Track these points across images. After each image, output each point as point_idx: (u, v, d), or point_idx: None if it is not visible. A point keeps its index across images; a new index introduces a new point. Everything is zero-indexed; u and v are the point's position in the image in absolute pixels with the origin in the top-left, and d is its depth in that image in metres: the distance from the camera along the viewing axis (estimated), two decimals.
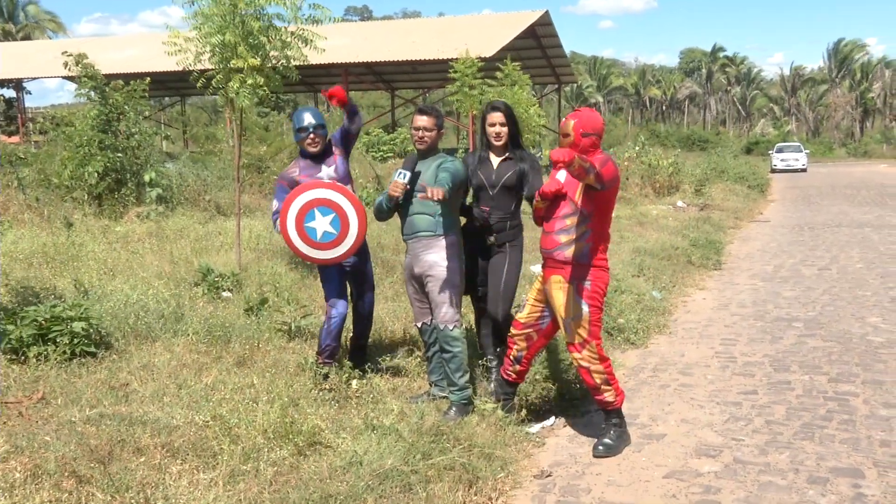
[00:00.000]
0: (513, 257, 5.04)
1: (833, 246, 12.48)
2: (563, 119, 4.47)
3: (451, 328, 4.69)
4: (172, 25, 8.10)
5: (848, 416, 4.95)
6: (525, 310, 4.71)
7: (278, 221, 4.97)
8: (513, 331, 4.76)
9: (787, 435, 4.65)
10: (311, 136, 5.06)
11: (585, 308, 4.37)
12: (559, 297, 4.43)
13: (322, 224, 4.80)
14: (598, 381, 4.41)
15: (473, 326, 5.53)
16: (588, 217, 4.34)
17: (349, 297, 5.34)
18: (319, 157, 5.16)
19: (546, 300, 4.59)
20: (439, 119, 4.84)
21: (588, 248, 4.36)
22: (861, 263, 10.67)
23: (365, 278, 5.39)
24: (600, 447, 4.45)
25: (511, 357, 4.78)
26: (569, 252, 4.36)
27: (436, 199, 4.35)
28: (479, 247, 5.03)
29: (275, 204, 5.04)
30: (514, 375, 4.83)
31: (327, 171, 5.13)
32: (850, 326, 7.18)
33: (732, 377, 5.80)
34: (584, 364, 4.40)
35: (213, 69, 7.90)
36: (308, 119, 5.07)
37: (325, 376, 4.92)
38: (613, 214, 4.69)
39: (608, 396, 4.46)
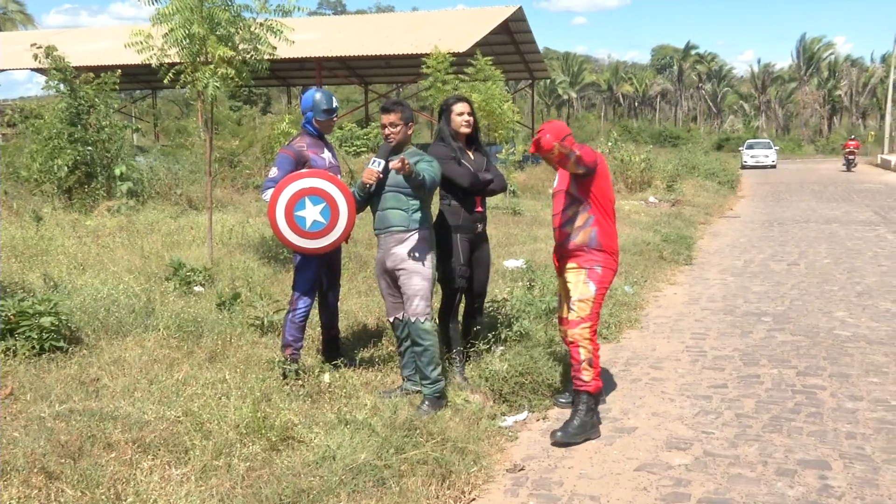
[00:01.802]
0: (487, 242, 5.44)
1: (802, 241, 12.65)
2: (541, 139, 4.23)
3: (422, 321, 4.70)
4: (135, 24, 8.07)
5: (815, 408, 5.03)
6: (564, 308, 4.90)
7: (269, 198, 4.89)
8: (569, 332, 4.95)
9: (756, 428, 4.72)
10: (335, 119, 5.23)
11: (593, 289, 4.63)
12: (572, 278, 4.67)
13: (312, 213, 4.77)
14: (583, 356, 4.60)
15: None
16: (587, 205, 4.61)
17: (319, 289, 5.35)
18: (323, 139, 5.29)
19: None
20: (405, 112, 4.81)
21: (595, 232, 4.62)
22: (829, 259, 10.84)
23: (337, 269, 5.46)
24: (558, 433, 4.50)
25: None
26: (578, 239, 4.62)
27: (404, 170, 4.44)
28: (472, 238, 5.23)
29: (274, 171, 5.02)
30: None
31: (328, 154, 5.24)
32: (818, 321, 7.29)
33: (703, 371, 5.87)
34: (573, 339, 4.61)
35: (181, 63, 7.83)
36: (335, 102, 5.24)
37: (297, 372, 4.91)
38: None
39: (585, 375, 4.60)
